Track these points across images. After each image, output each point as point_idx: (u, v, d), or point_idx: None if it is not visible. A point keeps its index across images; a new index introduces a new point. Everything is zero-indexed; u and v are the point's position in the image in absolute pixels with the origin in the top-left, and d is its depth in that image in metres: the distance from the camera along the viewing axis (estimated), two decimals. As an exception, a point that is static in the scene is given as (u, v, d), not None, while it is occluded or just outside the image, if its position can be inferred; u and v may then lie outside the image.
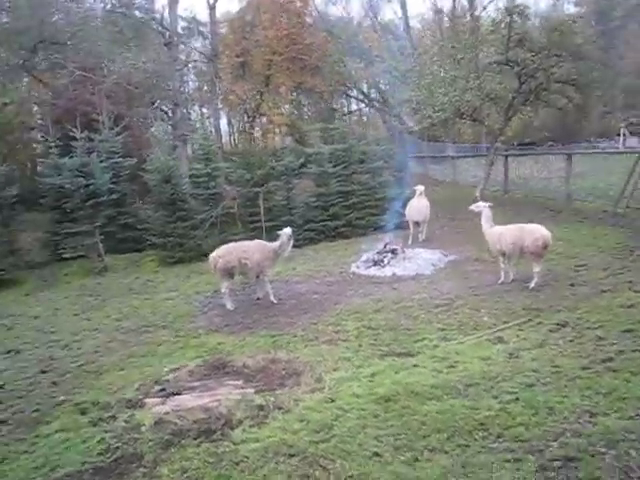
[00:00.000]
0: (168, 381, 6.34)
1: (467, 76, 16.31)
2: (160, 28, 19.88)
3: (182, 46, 21.38)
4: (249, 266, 9.30)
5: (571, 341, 6.14)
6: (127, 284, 11.64)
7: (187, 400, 5.78)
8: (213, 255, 9.27)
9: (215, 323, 8.63)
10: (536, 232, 8.78)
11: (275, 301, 9.45)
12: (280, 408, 5.20)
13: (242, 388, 6.04)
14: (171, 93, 19.34)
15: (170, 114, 19.76)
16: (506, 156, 19.96)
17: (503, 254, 9.23)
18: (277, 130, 22.86)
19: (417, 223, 13.33)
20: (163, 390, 6.03)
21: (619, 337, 6.03)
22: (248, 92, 22.34)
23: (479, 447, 4.03)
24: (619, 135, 30.79)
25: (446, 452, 4.00)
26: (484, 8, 26.51)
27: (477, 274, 10.07)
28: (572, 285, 8.65)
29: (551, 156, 23.23)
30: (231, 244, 9.67)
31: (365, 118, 40.58)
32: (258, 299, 9.79)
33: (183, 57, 22.59)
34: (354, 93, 35.10)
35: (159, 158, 13.21)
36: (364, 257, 11.83)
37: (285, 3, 21.81)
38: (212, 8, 22.43)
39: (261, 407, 5.30)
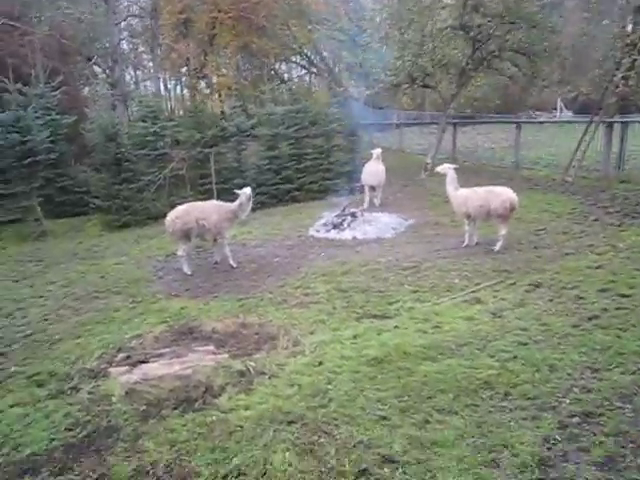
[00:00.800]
0: (132, 348, 5.84)
1: (421, 40, 16.12)
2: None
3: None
4: (207, 227, 8.79)
5: (551, 300, 6.15)
6: (70, 249, 10.76)
7: (156, 368, 5.33)
8: (170, 216, 8.67)
9: (174, 288, 8.11)
10: (503, 194, 8.79)
11: (235, 265, 9.02)
12: (264, 373, 4.87)
13: (214, 354, 5.66)
14: (109, 50, 17.91)
15: (108, 72, 18.34)
16: (454, 124, 20.12)
17: (469, 216, 9.21)
18: (221, 92, 21.78)
19: (373, 187, 13.15)
20: (128, 358, 5.55)
21: (598, 296, 6.08)
22: (192, 51, 21.11)
23: (489, 406, 3.88)
24: (555, 109, 31.84)
25: (456, 413, 3.82)
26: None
27: (439, 238, 10.04)
28: (536, 248, 8.80)
29: (495, 126, 23.77)
30: (188, 204, 9.09)
31: (306, 85, 39.51)
32: (216, 263, 9.32)
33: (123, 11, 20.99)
34: (297, 59, 34.23)
35: (102, 116, 12.18)
36: (322, 220, 11.56)
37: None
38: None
39: (242, 373, 4.94)
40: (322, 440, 3.61)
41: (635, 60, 13.89)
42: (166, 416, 4.21)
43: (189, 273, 8.75)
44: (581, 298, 6.10)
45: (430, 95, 28.30)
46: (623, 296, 6.07)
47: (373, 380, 4.47)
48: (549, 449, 3.42)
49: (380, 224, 11.16)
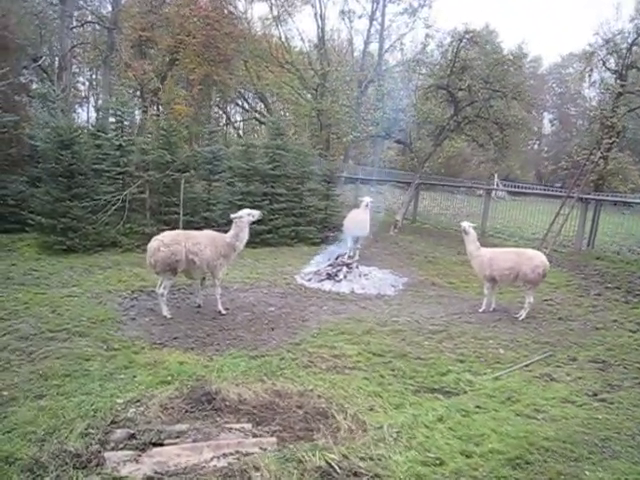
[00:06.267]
0: (131, 420, 4.06)
1: (403, 95, 15.78)
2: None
3: (78, 3, 17.85)
4: (197, 264, 7.13)
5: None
6: (2, 272, 8.47)
7: (177, 455, 3.65)
8: (154, 242, 6.94)
9: (155, 334, 6.30)
10: (536, 259, 7.98)
11: (224, 312, 7.38)
12: (358, 475, 3.35)
13: (255, 435, 4.04)
14: (59, 54, 15.89)
15: (54, 78, 16.21)
16: (418, 185, 19.77)
17: (492, 280, 8.27)
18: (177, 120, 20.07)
19: (357, 238, 12.01)
20: (133, 437, 3.78)
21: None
22: (148, 72, 19.46)
23: None
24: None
25: None
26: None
27: (446, 300, 9.10)
28: (560, 319, 8.33)
29: (452, 192, 23.78)
30: (178, 231, 7.48)
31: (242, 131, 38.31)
32: (199, 306, 7.61)
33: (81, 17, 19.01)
34: (246, 101, 33.44)
35: (58, 119, 10.19)
36: (312, 268, 10.20)
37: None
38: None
39: (323, 472, 3.39)
40: None
41: (614, 142, 14.26)
42: None
43: (168, 316, 6.98)
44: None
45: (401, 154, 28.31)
46: None
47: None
48: None
49: (375, 279, 10.01)
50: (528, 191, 17.69)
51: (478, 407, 4.71)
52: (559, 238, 14.28)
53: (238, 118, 39.46)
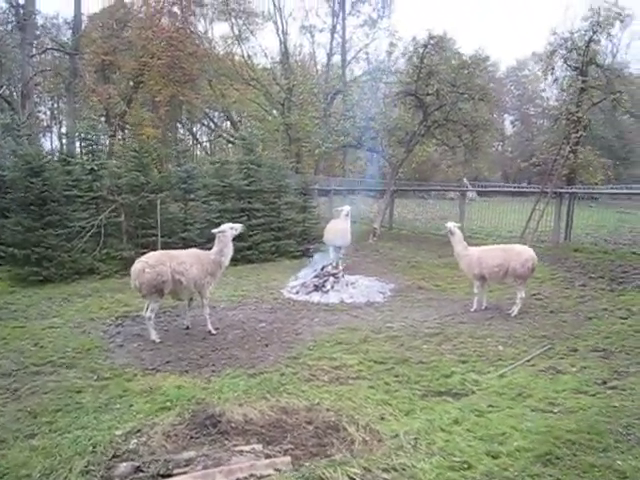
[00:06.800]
0: (134, 452, 3.81)
1: (371, 104, 15.84)
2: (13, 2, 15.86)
3: (38, 31, 17.43)
4: (183, 284, 6.90)
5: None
6: (-26, 307, 8.07)
7: (188, 484, 3.41)
8: (138, 265, 6.68)
9: (146, 360, 6.03)
10: (525, 253, 7.99)
11: (214, 331, 7.14)
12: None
13: (267, 456, 3.83)
14: (20, 82, 15.44)
15: (16, 106, 15.74)
16: (393, 192, 19.82)
17: (482, 278, 8.24)
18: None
19: (339, 248, 11.88)
20: (139, 470, 3.53)
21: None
22: (113, 97, 19.10)
23: None
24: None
25: None
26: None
27: (436, 302, 9.06)
28: (552, 312, 8.41)
29: (424, 198, 23.95)
30: (161, 252, 7.28)
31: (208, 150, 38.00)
32: (187, 328, 7.35)
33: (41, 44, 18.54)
34: (213, 120, 33.25)
35: (25, 146, 9.81)
36: (298, 281, 10.03)
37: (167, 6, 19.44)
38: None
39: (349, 489, 3.21)
40: None
41: (581, 135, 14.56)
42: None
43: (157, 340, 6.70)
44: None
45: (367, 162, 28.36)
46: None
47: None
48: None
49: (362, 287, 9.89)
50: (502, 189, 17.90)
51: (491, 406, 4.60)
52: (536, 234, 14.44)
53: (204, 138, 39.23)
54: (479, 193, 24.03)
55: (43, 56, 19.96)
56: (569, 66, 15.42)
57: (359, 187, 21.02)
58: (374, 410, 4.59)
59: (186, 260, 6.96)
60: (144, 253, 7.29)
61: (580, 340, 6.73)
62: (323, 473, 3.34)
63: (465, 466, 3.37)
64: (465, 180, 34.01)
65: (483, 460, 3.46)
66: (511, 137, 51.86)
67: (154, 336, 6.75)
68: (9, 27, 16.63)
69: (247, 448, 3.88)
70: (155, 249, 10.00)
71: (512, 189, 17.72)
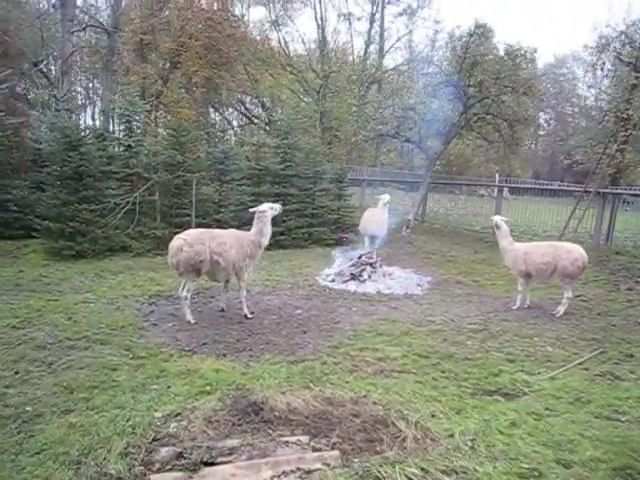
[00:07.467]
0: (175, 437, 3.61)
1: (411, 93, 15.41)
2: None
3: (77, 10, 17.38)
4: (221, 265, 6.69)
5: None
6: (10, 279, 8.00)
7: (233, 475, 3.19)
8: (177, 241, 6.49)
9: (182, 340, 5.85)
10: (575, 252, 7.57)
11: (250, 315, 6.93)
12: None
13: (315, 449, 3.59)
14: (59, 59, 15.43)
15: (54, 82, 15.77)
16: (429, 184, 19.36)
17: (527, 275, 7.86)
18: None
19: (374, 237, 11.57)
20: (181, 457, 3.32)
21: None
22: (150, 76, 19.04)
23: None
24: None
25: None
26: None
27: (476, 298, 8.72)
28: (599, 315, 7.98)
29: (454, 193, 23.39)
30: (201, 230, 7.02)
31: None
32: (222, 310, 7.17)
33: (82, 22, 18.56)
34: (245, 105, 33.09)
35: (65, 119, 9.70)
36: (334, 269, 9.78)
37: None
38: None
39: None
40: None
41: (630, 134, 13.92)
42: None
43: (192, 321, 6.52)
44: None
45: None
46: None
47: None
48: None
49: (400, 279, 9.60)
50: (542, 187, 17.26)
51: (548, 409, 4.29)
52: (575, 234, 13.91)
53: (235, 124, 39.13)
54: (512, 190, 23.44)
55: (82, 34, 20.01)
56: (621, 61, 14.75)
57: (391, 178, 20.60)
58: (423, 406, 4.31)
59: (226, 240, 6.74)
60: (177, 233, 7.07)
61: (633, 346, 6.34)
62: (378, 471, 3.09)
63: (536, 474, 3.08)
64: (497, 177, 33.39)
65: (554, 469, 3.17)
66: (544, 136, 50.65)
67: (189, 316, 6.57)
68: (51, 2, 16.63)
69: (293, 439, 3.65)
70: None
71: (551, 187, 17.04)
